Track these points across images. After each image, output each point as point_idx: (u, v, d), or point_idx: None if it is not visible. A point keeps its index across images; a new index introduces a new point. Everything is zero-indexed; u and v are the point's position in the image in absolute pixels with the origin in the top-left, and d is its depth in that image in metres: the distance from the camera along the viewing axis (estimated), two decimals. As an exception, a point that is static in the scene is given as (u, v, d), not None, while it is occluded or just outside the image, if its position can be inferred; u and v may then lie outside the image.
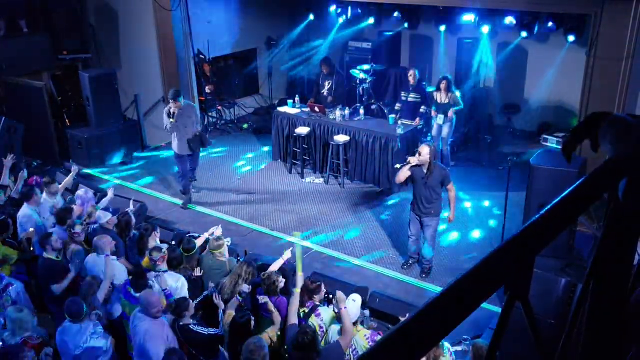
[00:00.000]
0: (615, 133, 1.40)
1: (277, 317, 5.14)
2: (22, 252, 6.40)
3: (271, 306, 5.19)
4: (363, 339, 4.84)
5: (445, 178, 6.82)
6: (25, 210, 6.83)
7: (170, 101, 8.50)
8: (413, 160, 6.81)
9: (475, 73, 11.54)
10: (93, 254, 5.98)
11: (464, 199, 8.91)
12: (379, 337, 4.69)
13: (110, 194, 7.48)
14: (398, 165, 7.04)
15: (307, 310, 5.23)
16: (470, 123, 11.06)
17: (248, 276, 5.52)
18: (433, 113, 9.73)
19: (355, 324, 4.98)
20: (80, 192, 7.55)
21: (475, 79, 11.70)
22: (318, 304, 5.32)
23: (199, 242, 6.33)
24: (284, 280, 5.42)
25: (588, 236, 7.01)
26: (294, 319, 4.99)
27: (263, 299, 5.23)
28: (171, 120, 8.43)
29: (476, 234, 8.17)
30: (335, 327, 5.00)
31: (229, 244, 6.35)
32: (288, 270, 6.35)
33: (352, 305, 5.04)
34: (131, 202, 7.49)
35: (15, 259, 6.03)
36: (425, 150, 6.75)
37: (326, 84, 10.56)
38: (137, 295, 5.23)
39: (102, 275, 5.72)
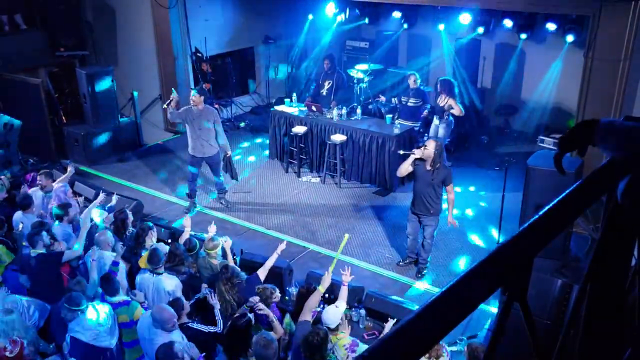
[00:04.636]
0: (619, 134, 1.40)
1: (278, 329, 4.94)
2: (14, 252, 6.38)
3: (272, 316, 5.00)
4: (342, 349, 4.60)
5: (447, 177, 6.77)
6: (19, 215, 6.72)
7: (191, 90, 8.22)
8: (417, 153, 6.75)
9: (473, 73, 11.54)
10: (94, 247, 5.95)
11: (460, 200, 8.89)
12: (357, 348, 4.57)
13: (114, 200, 7.22)
14: (401, 152, 6.91)
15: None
16: (467, 123, 11.05)
17: (235, 280, 5.41)
18: (425, 113, 9.85)
19: (335, 329, 4.71)
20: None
21: (472, 79, 11.71)
22: (317, 309, 5.14)
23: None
24: (279, 295, 5.28)
25: (584, 237, 7.01)
26: (307, 316, 4.84)
27: (261, 308, 5.02)
28: (164, 106, 8.20)
29: (473, 234, 8.17)
30: (343, 341, 4.75)
31: (227, 242, 6.29)
32: (284, 269, 6.33)
33: (335, 310, 4.78)
34: (114, 196, 7.29)
35: (7, 262, 6.02)
36: (431, 145, 6.69)
37: (326, 83, 10.52)
38: (111, 299, 5.22)
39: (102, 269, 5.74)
